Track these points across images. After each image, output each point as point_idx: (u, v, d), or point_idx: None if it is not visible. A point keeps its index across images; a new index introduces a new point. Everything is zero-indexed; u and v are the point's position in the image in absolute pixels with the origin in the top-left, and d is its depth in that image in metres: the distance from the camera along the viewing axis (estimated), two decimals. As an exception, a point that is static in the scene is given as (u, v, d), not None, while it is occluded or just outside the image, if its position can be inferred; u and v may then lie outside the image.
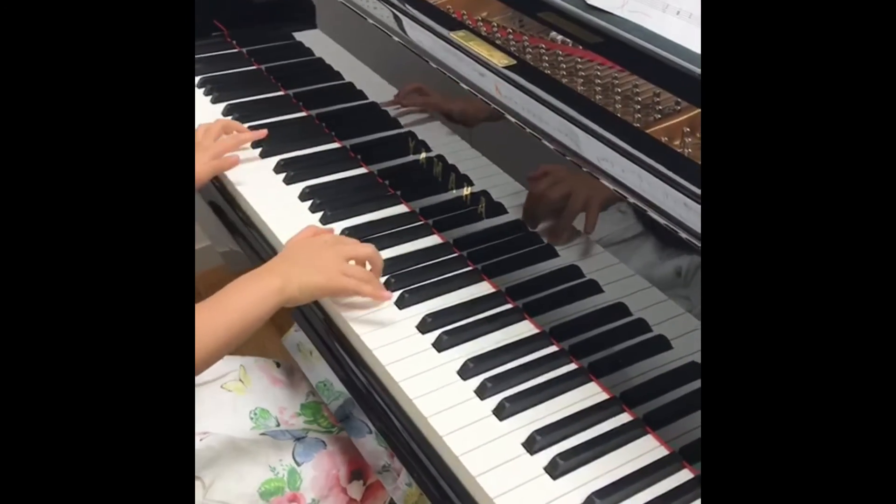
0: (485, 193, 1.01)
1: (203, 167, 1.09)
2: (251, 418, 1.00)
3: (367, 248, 0.94)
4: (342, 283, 0.90)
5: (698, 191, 0.75)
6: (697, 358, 0.82)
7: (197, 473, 0.89)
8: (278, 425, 1.01)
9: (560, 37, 1.01)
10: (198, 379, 1.04)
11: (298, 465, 0.95)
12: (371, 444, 0.92)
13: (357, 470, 1.00)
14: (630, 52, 0.88)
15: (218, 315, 0.83)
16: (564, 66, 0.98)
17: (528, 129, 0.87)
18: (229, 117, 1.25)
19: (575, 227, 0.91)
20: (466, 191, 1.04)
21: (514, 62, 0.93)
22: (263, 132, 1.17)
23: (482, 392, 0.85)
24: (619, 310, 0.89)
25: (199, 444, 0.93)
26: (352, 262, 0.92)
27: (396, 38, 1.03)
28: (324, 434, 1.00)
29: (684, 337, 0.83)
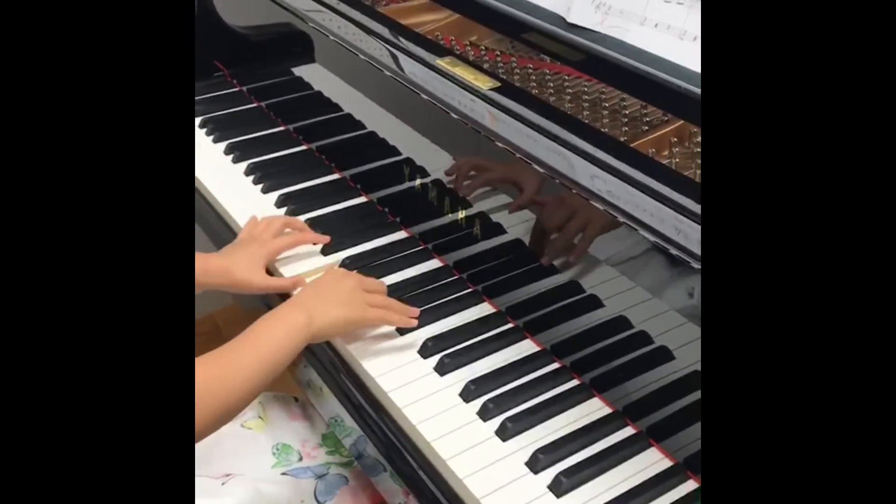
0: (481, 215, 1.02)
1: (248, 272, 1.02)
2: (273, 454, 1.00)
3: (395, 303, 0.96)
4: (368, 313, 0.91)
5: (689, 205, 0.76)
6: (699, 367, 0.81)
7: None
8: (300, 459, 1.00)
9: (547, 57, 1.02)
10: None
11: None
12: (386, 483, 0.91)
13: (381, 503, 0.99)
14: (613, 68, 0.89)
15: (248, 353, 0.83)
16: (552, 84, 0.99)
17: (517, 155, 0.88)
18: (230, 156, 1.28)
19: (573, 244, 0.92)
20: (462, 214, 1.05)
21: (499, 84, 0.93)
22: (327, 238, 1.09)
23: (484, 413, 0.85)
24: (621, 323, 0.89)
25: (220, 490, 0.93)
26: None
27: (387, 72, 1.04)
28: (346, 468, 1.00)
29: (686, 347, 0.83)
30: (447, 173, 1.05)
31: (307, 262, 1.07)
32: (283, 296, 1.02)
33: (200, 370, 0.76)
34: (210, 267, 1.02)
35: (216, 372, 0.80)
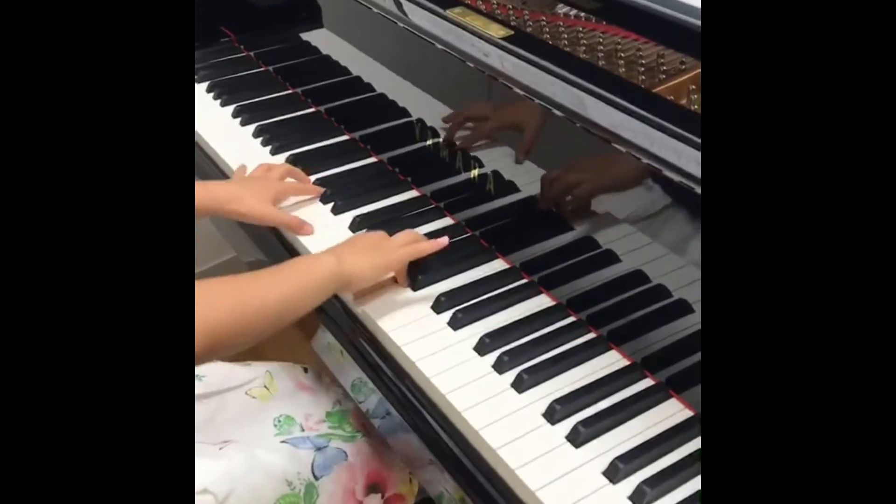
0: (495, 173, 1.00)
1: (259, 202, 1.02)
2: (275, 425, 0.98)
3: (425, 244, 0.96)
4: (398, 254, 0.92)
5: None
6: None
7: (210, 487, 0.85)
8: (302, 431, 0.99)
9: (561, 10, 1.00)
10: (222, 385, 1.02)
11: (317, 479, 0.93)
12: (416, 441, 0.90)
13: (375, 483, 0.98)
14: (630, 13, 0.87)
15: (270, 286, 0.81)
16: (566, 36, 0.96)
17: (535, 100, 0.86)
18: (238, 119, 1.26)
19: (590, 201, 0.90)
20: (475, 172, 1.03)
21: (512, 33, 0.92)
22: (321, 189, 1.09)
23: (499, 366, 0.84)
24: (639, 277, 0.87)
25: (217, 454, 0.91)
26: None
27: (398, 22, 1.02)
28: (347, 442, 0.98)
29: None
30: (444, 120, 1.03)
31: (318, 221, 1.06)
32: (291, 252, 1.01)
33: (217, 284, 0.76)
34: (219, 193, 1.02)
35: (231, 287, 0.79)
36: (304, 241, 1.02)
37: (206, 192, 1.00)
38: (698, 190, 0.73)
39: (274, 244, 1.08)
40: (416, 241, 0.95)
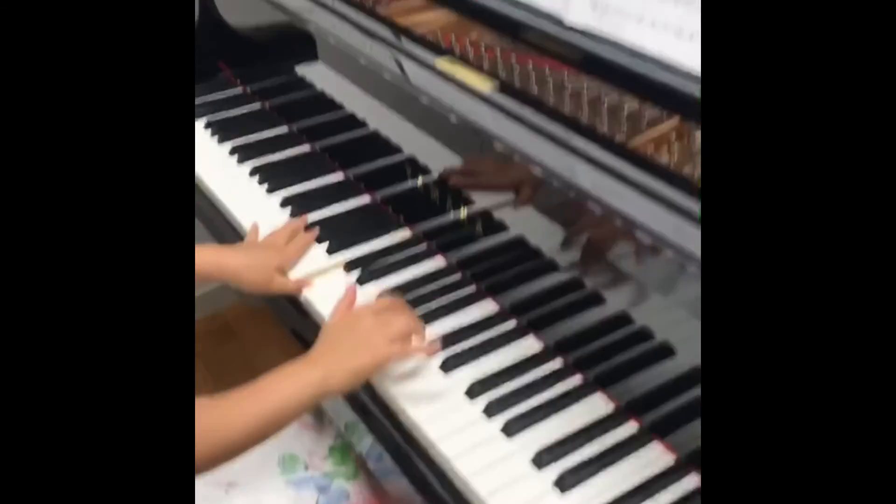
0: (483, 213, 1.03)
1: (261, 277, 1.05)
2: (279, 465, 1.01)
3: (410, 319, 0.92)
4: (389, 352, 0.88)
5: (686, 205, 0.76)
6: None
7: None
8: (306, 469, 1.02)
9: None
10: None
11: None
12: (400, 486, 0.91)
13: None
14: (611, 67, 0.89)
15: (252, 404, 0.81)
16: (551, 81, 0.99)
17: (515, 155, 0.88)
18: (234, 156, 1.29)
19: (578, 243, 0.93)
20: (464, 211, 1.05)
21: (498, 84, 0.94)
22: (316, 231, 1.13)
23: (489, 411, 0.86)
24: (622, 320, 0.90)
25: (223, 498, 0.94)
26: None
27: (387, 75, 1.05)
28: (349, 481, 1.00)
29: (687, 343, 0.84)
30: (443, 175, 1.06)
31: (314, 261, 1.09)
32: (292, 299, 1.04)
33: (199, 411, 0.71)
34: (226, 265, 1.04)
35: (215, 414, 0.79)
36: (291, 274, 1.06)
37: (212, 260, 1.02)
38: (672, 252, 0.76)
39: None
40: (410, 330, 0.91)
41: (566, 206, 0.89)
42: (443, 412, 0.87)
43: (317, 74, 1.32)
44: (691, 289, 0.79)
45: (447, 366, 0.92)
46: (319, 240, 1.11)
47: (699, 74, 0.81)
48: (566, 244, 0.94)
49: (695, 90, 0.82)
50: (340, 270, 1.07)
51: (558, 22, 0.94)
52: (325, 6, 1.18)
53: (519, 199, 0.95)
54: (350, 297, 0.98)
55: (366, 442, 1.00)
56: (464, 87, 0.96)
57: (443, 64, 0.99)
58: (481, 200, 1.03)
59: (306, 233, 1.13)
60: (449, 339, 0.95)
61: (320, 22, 1.18)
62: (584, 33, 0.92)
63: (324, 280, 1.06)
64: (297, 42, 1.32)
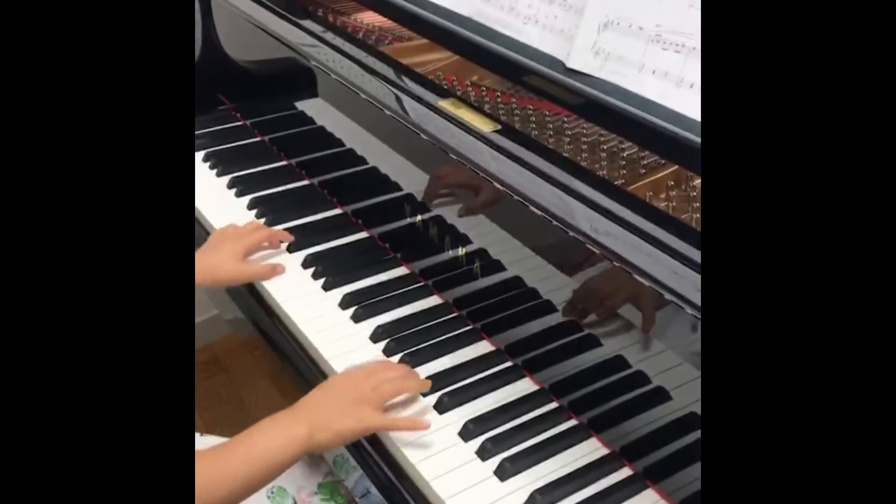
0: (480, 252, 1.03)
1: (232, 265, 1.10)
2: (268, 497, 1.00)
3: (403, 385, 0.91)
4: (377, 421, 0.88)
5: (685, 251, 0.77)
6: (696, 408, 0.82)
7: None
8: (295, 503, 1.01)
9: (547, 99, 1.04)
10: None
11: None
12: None
13: None
14: (610, 112, 0.91)
15: (238, 458, 0.81)
16: (551, 125, 1.00)
17: (515, 196, 0.89)
18: (233, 190, 1.29)
19: (576, 289, 0.93)
20: (462, 250, 1.06)
21: (500, 127, 0.95)
22: (291, 237, 1.18)
23: (483, 453, 0.86)
24: (619, 363, 0.90)
25: None
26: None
27: (389, 112, 1.06)
28: None
29: (683, 387, 0.84)
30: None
31: (310, 297, 1.09)
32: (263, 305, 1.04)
33: None
34: (198, 269, 1.05)
35: (203, 468, 0.78)
36: (288, 308, 1.07)
37: None
38: (668, 297, 0.77)
39: (251, 304, 1.13)
40: (401, 392, 0.91)
41: (564, 247, 0.90)
42: (436, 452, 0.86)
43: (317, 110, 1.33)
44: (686, 333, 0.79)
45: (441, 406, 0.91)
46: (315, 276, 1.11)
47: (699, 123, 0.83)
48: (563, 287, 0.95)
49: (694, 138, 0.83)
50: (335, 306, 1.07)
51: (560, 66, 0.95)
52: (327, 43, 1.19)
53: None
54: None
55: (353, 477, 0.99)
56: (465, 127, 0.97)
57: (445, 105, 1.00)
58: (479, 240, 1.03)
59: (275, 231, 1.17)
60: (443, 379, 0.94)
61: (322, 58, 1.19)
62: (585, 78, 0.93)
63: (319, 310, 1.06)
64: (297, 77, 1.33)
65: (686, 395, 0.83)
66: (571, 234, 0.84)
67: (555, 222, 0.86)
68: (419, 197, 1.12)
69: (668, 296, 0.76)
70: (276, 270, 1.12)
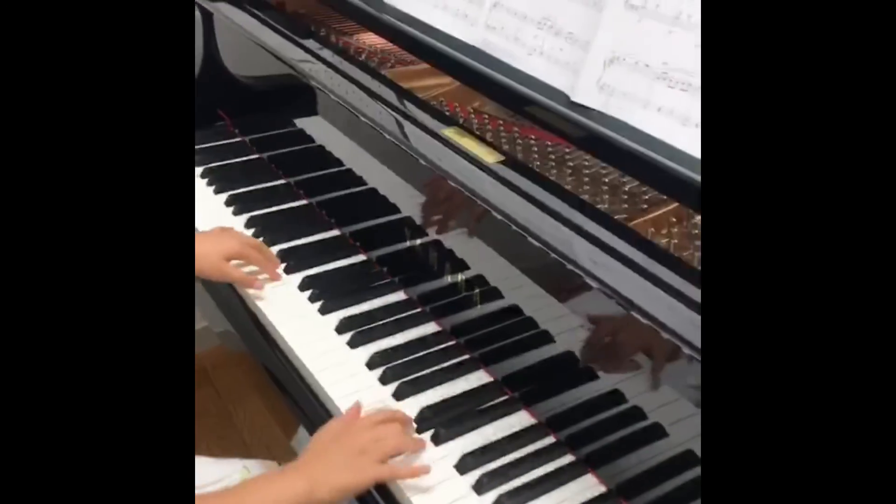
0: (478, 278, 1.03)
1: (211, 262, 1.10)
2: None
3: (404, 438, 0.90)
4: (377, 474, 0.86)
5: (685, 290, 0.77)
6: (693, 445, 0.82)
7: None
8: None
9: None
10: (198, 483, 1.03)
11: None
12: None
13: None
14: (613, 147, 0.91)
15: None
16: (553, 156, 1.00)
17: (514, 227, 0.89)
18: (230, 208, 1.28)
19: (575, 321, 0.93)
20: (461, 277, 1.06)
21: (503, 158, 0.95)
22: (279, 263, 1.17)
23: (479, 487, 0.85)
24: (615, 397, 0.89)
25: None
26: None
27: (390, 137, 1.06)
28: None
29: (680, 423, 0.84)
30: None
31: (306, 320, 1.08)
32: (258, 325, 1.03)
33: None
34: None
35: None
36: (283, 330, 1.06)
37: None
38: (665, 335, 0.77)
39: (246, 322, 1.12)
40: (404, 450, 0.89)
41: (562, 276, 0.90)
42: (432, 485, 0.86)
43: (316, 128, 1.32)
44: (683, 370, 0.79)
45: (437, 439, 0.91)
46: (312, 299, 1.11)
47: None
48: (562, 316, 0.95)
49: (697, 177, 0.84)
50: (332, 330, 1.07)
51: (564, 99, 0.95)
52: (329, 64, 1.19)
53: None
54: (354, 412, 0.93)
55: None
56: (468, 156, 0.97)
57: (449, 133, 1.00)
58: (477, 266, 1.03)
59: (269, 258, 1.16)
60: (440, 409, 0.94)
61: (324, 79, 1.19)
62: (589, 112, 0.93)
63: (317, 335, 1.05)
64: (297, 95, 1.33)
65: (683, 431, 0.83)
66: (569, 266, 0.84)
67: (553, 255, 0.86)
68: (418, 220, 1.11)
69: (664, 334, 0.76)
70: (254, 284, 1.12)
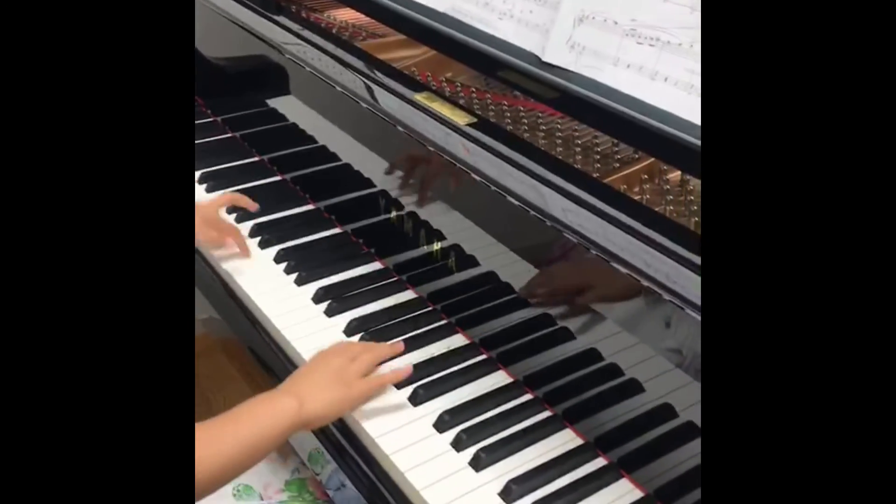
0: (455, 247, 1.03)
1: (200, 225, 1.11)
2: (234, 495, 0.99)
3: (378, 353, 0.94)
4: (361, 388, 0.89)
5: (658, 239, 0.78)
6: (669, 399, 0.83)
7: None
8: (261, 500, 1.00)
9: (522, 94, 1.04)
10: None
11: None
12: None
13: None
14: (586, 106, 0.91)
15: (226, 433, 0.80)
16: (526, 121, 1.01)
17: (492, 187, 0.89)
18: (203, 185, 1.28)
19: (547, 279, 0.93)
20: (437, 245, 1.06)
21: (475, 120, 0.96)
22: (254, 204, 1.18)
23: (458, 444, 0.86)
24: (592, 355, 0.90)
25: None
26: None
27: (364, 105, 1.06)
28: None
29: (656, 379, 0.84)
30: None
31: (281, 290, 1.08)
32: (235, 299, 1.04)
33: None
34: None
35: None
36: (260, 302, 1.06)
37: None
38: (644, 283, 0.77)
39: (227, 302, 1.11)
40: (377, 359, 0.93)
41: (537, 241, 0.90)
42: (411, 444, 0.86)
43: (289, 107, 1.32)
44: (659, 326, 0.80)
45: (416, 398, 0.91)
46: (288, 270, 1.11)
47: (672, 115, 0.84)
48: (537, 281, 0.95)
49: (668, 129, 0.84)
50: (308, 300, 1.06)
51: (536, 60, 0.96)
52: (302, 38, 1.19)
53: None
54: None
55: (327, 471, 0.99)
56: (440, 119, 0.97)
57: (421, 98, 1.01)
58: (453, 235, 1.03)
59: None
60: (418, 371, 0.94)
61: (297, 53, 1.18)
62: (560, 71, 0.94)
63: (292, 304, 1.05)
64: (269, 75, 1.33)
65: (659, 386, 0.84)
66: (547, 222, 0.85)
67: (527, 209, 0.86)
68: (392, 193, 1.11)
69: (643, 281, 0.76)
70: (225, 239, 1.13)
